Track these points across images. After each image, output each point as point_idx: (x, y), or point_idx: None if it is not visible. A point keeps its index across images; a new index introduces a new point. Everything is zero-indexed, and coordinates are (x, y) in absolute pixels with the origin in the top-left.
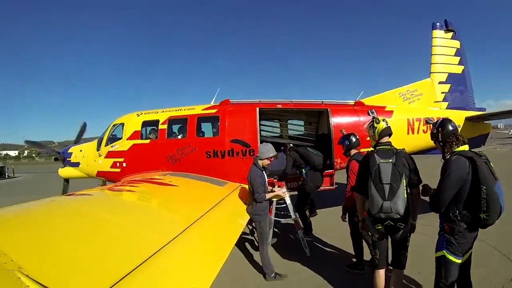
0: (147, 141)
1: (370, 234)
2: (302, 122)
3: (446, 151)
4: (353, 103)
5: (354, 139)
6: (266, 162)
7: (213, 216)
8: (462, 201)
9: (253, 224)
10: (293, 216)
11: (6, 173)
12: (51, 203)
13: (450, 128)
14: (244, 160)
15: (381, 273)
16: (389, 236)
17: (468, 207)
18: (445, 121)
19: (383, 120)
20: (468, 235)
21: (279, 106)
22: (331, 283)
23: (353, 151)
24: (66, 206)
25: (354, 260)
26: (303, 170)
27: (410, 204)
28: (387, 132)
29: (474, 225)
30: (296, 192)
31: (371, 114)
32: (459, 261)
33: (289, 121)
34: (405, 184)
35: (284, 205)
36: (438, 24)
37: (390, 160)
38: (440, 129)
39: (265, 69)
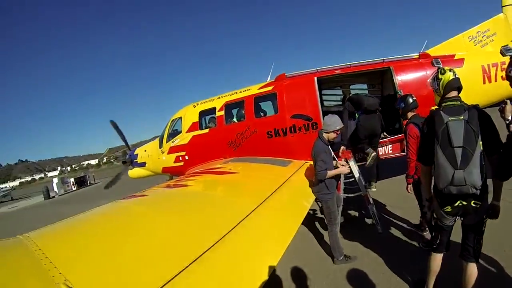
0: (207, 130)
1: (435, 216)
2: (365, 86)
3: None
4: (418, 56)
5: (411, 100)
6: (332, 135)
7: (273, 202)
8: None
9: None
10: (363, 191)
11: (88, 181)
12: (104, 210)
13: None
14: (307, 135)
15: (438, 257)
16: (459, 218)
17: None
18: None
19: (450, 70)
20: None
21: (338, 71)
22: (406, 263)
23: (410, 114)
24: (119, 211)
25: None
26: (356, 115)
27: (486, 175)
28: (455, 84)
29: None
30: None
31: (436, 65)
32: None
33: (351, 87)
34: (482, 148)
35: (353, 178)
36: None
37: (462, 117)
38: None
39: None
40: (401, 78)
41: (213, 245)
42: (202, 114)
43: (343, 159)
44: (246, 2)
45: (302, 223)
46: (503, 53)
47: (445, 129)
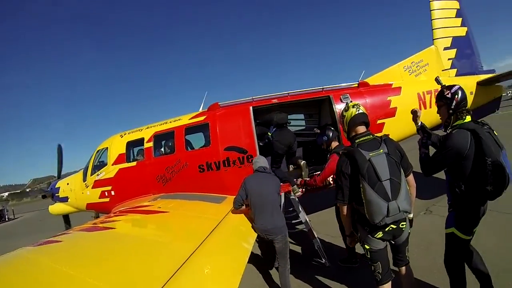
0: (134, 163)
1: (367, 247)
2: (302, 116)
3: (452, 121)
4: (357, 85)
5: (330, 132)
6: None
7: (210, 245)
8: (466, 175)
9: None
10: (306, 225)
11: (6, 216)
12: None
13: (464, 96)
14: (242, 169)
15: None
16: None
17: (474, 181)
18: (461, 88)
19: (354, 106)
20: (476, 210)
21: (275, 100)
22: None
23: (334, 144)
24: (19, 265)
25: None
26: (268, 133)
27: None
28: (359, 119)
29: (482, 199)
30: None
31: (343, 101)
32: (468, 237)
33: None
34: (403, 176)
35: (295, 213)
36: None
37: (381, 151)
38: (456, 96)
39: (254, 65)
40: (341, 106)
41: None
42: (130, 145)
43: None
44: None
45: None
46: (437, 81)
47: (370, 166)
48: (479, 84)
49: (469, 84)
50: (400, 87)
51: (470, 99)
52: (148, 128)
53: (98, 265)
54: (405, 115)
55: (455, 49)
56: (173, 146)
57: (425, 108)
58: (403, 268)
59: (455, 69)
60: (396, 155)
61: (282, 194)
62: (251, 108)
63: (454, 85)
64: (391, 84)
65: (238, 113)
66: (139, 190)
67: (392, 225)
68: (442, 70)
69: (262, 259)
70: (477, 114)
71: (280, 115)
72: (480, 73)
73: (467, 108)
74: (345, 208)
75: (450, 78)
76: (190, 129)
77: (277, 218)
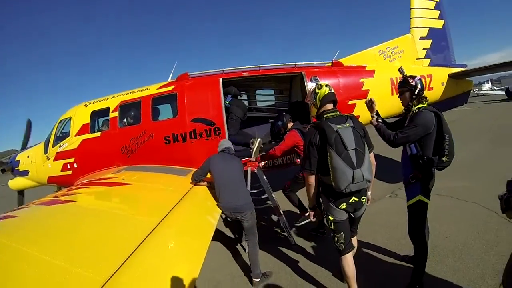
0: (98, 134)
1: (331, 218)
2: (272, 91)
3: (413, 105)
4: (331, 64)
5: (283, 116)
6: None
7: (175, 219)
8: (431, 148)
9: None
10: (272, 201)
11: None
12: None
13: (423, 86)
14: (209, 142)
15: (349, 258)
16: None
17: (435, 153)
18: (420, 79)
19: (326, 85)
20: (433, 177)
21: (246, 74)
22: (324, 273)
23: (289, 125)
24: None
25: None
26: (226, 101)
27: None
28: (331, 97)
29: (439, 168)
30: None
31: (314, 81)
32: (429, 201)
33: (257, 91)
34: (367, 149)
35: (261, 188)
36: None
37: (348, 124)
38: (418, 84)
39: (229, 33)
40: (313, 84)
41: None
42: (95, 114)
43: (249, 168)
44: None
45: None
46: (401, 72)
47: (337, 136)
48: (451, 76)
49: (441, 75)
50: (373, 70)
51: (441, 89)
52: (114, 97)
53: (56, 241)
54: (377, 98)
55: (431, 40)
56: (139, 117)
57: (397, 93)
58: (353, 239)
59: (429, 59)
60: (360, 130)
61: (248, 170)
62: (220, 80)
63: (415, 76)
64: (365, 67)
65: (207, 84)
66: (103, 162)
67: (354, 197)
68: (416, 59)
69: (228, 237)
70: (447, 105)
71: (234, 88)
72: (453, 66)
73: (424, 96)
74: (311, 178)
75: (423, 67)
76: (158, 99)
77: (244, 195)
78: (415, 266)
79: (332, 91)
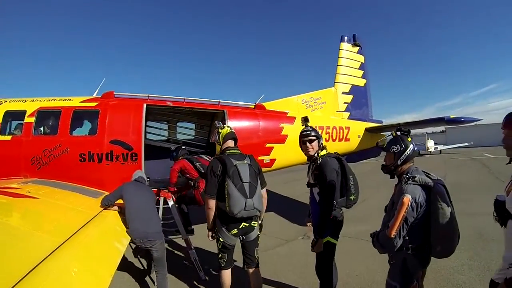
0: (8, 137)
1: (221, 240)
2: (193, 125)
3: (319, 153)
4: (254, 106)
5: (180, 151)
6: None
7: (79, 240)
8: (338, 190)
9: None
10: (183, 234)
11: None
12: None
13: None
14: (124, 166)
15: (227, 273)
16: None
17: (341, 194)
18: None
19: (228, 126)
20: (342, 219)
21: (170, 103)
22: None
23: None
24: None
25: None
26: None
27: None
28: (231, 135)
29: (347, 207)
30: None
31: (217, 125)
32: (337, 241)
33: (178, 123)
34: (259, 184)
35: (172, 220)
36: (346, 37)
37: (246, 162)
38: (319, 135)
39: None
40: (233, 123)
41: None
42: (8, 115)
43: (161, 198)
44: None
45: None
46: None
47: (235, 169)
48: (367, 130)
49: (358, 128)
50: (294, 117)
51: (357, 141)
52: (33, 101)
53: None
54: (294, 144)
55: (352, 96)
56: (57, 127)
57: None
58: (252, 270)
59: (349, 113)
60: (256, 168)
61: (161, 200)
62: (145, 105)
63: (312, 127)
64: (286, 113)
65: (131, 107)
66: (9, 170)
67: (245, 223)
68: (337, 111)
69: (137, 268)
70: (361, 156)
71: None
72: (370, 121)
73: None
74: (211, 202)
75: (343, 119)
76: (79, 112)
77: (155, 224)
78: None
79: (233, 130)
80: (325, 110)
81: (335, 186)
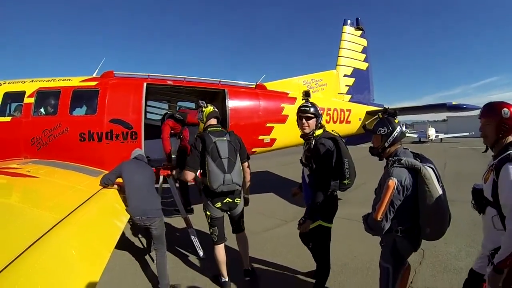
0: (9, 118)
1: (208, 213)
2: (193, 105)
3: (315, 132)
4: (255, 86)
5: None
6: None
7: (78, 217)
8: (332, 173)
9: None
10: (182, 213)
11: None
12: None
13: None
14: (124, 145)
15: (221, 248)
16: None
17: (335, 177)
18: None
19: (211, 105)
20: (335, 201)
21: (170, 82)
22: (232, 285)
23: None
24: None
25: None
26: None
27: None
28: (214, 114)
29: (341, 190)
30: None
31: (201, 104)
32: (331, 225)
33: (179, 103)
34: (239, 159)
35: (172, 199)
36: (349, 21)
37: (225, 138)
38: (320, 112)
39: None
40: (234, 103)
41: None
42: (7, 96)
43: (161, 176)
44: None
45: None
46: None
47: (214, 146)
48: (368, 113)
49: (360, 111)
50: (295, 98)
51: (358, 124)
52: (32, 81)
53: None
54: (295, 125)
55: (354, 79)
56: (56, 107)
57: None
58: (239, 234)
59: (350, 96)
60: (236, 144)
61: (160, 177)
62: (145, 84)
63: (312, 103)
64: (287, 93)
65: (131, 86)
66: (9, 151)
67: (228, 199)
68: (338, 93)
69: (137, 247)
70: (363, 139)
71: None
72: (371, 105)
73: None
74: (189, 174)
75: (344, 101)
76: (78, 92)
77: (154, 202)
78: (316, 281)
79: (215, 109)
80: (326, 92)
81: (328, 170)
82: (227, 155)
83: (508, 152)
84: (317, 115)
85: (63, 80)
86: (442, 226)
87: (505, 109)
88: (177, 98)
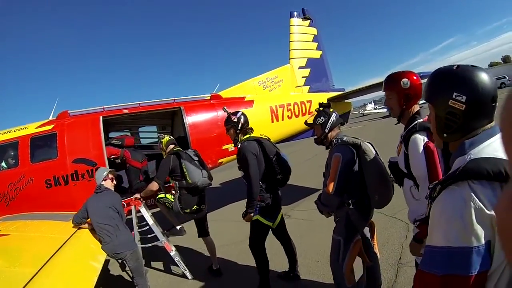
0: None
1: (186, 211)
2: (155, 128)
3: (239, 138)
4: (209, 97)
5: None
6: (109, 183)
7: (54, 267)
8: (262, 173)
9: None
10: (160, 238)
11: None
12: None
13: (246, 119)
14: (91, 183)
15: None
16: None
17: (267, 176)
18: (243, 114)
19: (167, 135)
20: (273, 199)
21: (126, 111)
22: None
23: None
24: None
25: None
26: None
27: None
28: (171, 142)
29: (274, 187)
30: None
31: (159, 136)
32: (271, 223)
33: (140, 129)
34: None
35: (148, 227)
36: (295, 12)
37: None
38: (240, 120)
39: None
40: (191, 118)
41: None
42: None
43: (132, 207)
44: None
45: None
46: (225, 110)
47: (186, 153)
48: (330, 100)
49: (321, 99)
50: (252, 101)
51: None
52: None
53: None
54: (256, 127)
55: (309, 69)
56: (17, 158)
57: (277, 120)
58: (208, 238)
59: (308, 86)
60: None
61: (132, 209)
62: (101, 117)
63: (238, 111)
64: (244, 98)
65: (87, 122)
66: None
67: (196, 206)
68: (296, 86)
69: (121, 279)
70: None
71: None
72: (332, 91)
73: (250, 127)
74: (155, 185)
75: (303, 93)
76: (36, 139)
77: (122, 233)
78: (259, 275)
79: (171, 138)
80: (283, 88)
81: (253, 169)
82: (197, 159)
83: (415, 122)
84: (232, 125)
85: (19, 130)
86: (388, 191)
87: (405, 80)
88: (137, 125)
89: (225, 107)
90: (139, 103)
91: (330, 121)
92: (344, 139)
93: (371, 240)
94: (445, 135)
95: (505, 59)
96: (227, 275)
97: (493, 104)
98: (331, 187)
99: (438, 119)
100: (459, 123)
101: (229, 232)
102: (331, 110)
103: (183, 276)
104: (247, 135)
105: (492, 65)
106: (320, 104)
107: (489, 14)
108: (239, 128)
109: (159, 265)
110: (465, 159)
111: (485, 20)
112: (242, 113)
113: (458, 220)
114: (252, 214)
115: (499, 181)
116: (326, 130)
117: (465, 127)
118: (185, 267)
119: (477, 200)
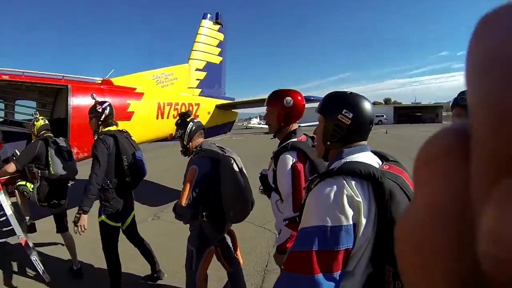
0: None
1: (43, 204)
2: (34, 103)
3: (100, 130)
4: (100, 81)
5: None
6: None
7: None
8: (111, 171)
9: None
10: (18, 232)
11: None
12: None
13: (112, 111)
14: None
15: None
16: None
17: (116, 176)
18: (110, 105)
19: (42, 118)
20: (120, 200)
21: (6, 77)
22: None
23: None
24: None
25: None
26: None
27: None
28: (46, 127)
29: (123, 189)
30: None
31: (34, 115)
32: (118, 224)
33: (17, 102)
34: None
35: (4, 217)
36: (209, 15)
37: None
38: (105, 110)
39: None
40: (77, 100)
41: None
42: None
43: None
44: None
45: None
46: (93, 98)
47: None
48: (218, 107)
49: (209, 105)
50: (142, 94)
51: (206, 118)
52: None
53: None
54: (140, 121)
55: (205, 73)
56: None
57: (162, 118)
58: (66, 234)
59: (200, 89)
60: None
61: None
62: None
63: (105, 101)
64: (134, 89)
65: None
66: None
67: (55, 200)
68: (188, 88)
69: None
70: (213, 132)
71: None
72: (222, 99)
73: (114, 120)
74: (12, 167)
75: (193, 96)
76: None
77: None
78: (110, 278)
79: (47, 122)
80: (176, 87)
81: (98, 167)
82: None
83: (289, 140)
84: (95, 114)
85: None
86: (244, 209)
87: (288, 98)
88: (14, 96)
89: (93, 94)
90: (24, 72)
91: (186, 132)
92: (202, 151)
93: (233, 248)
94: (328, 143)
95: (386, 101)
96: (89, 276)
97: (370, 126)
98: (183, 199)
99: (326, 130)
100: (343, 134)
101: (97, 229)
102: (189, 119)
103: (40, 278)
104: (107, 128)
105: (375, 103)
106: (180, 114)
107: (383, 63)
108: (101, 119)
109: (10, 265)
110: (341, 162)
111: (378, 65)
112: (109, 104)
113: (332, 203)
114: (86, 215)
115: (369, 180)
116: (185, 142)
117: (346, 138)
118: (42, 268)
119: (349, 189)
